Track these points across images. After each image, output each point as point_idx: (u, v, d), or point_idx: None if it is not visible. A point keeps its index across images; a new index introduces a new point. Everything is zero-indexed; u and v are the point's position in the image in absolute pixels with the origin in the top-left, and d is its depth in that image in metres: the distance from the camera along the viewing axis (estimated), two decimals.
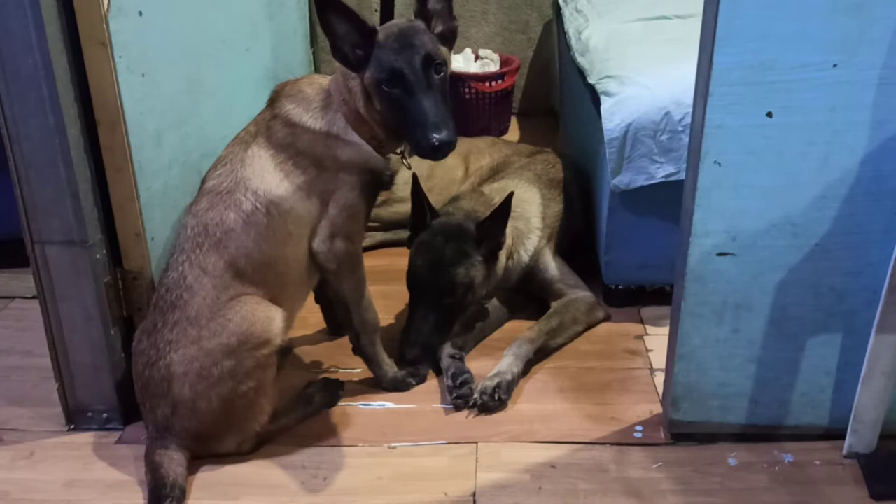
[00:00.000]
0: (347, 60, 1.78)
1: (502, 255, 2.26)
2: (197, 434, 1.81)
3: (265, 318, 1.81)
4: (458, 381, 2.05)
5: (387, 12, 3.37)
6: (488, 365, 2.13)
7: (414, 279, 2.19)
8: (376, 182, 1.93)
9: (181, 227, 1.87)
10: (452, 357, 2.13)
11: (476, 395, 2.03)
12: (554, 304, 2.33)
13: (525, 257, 2.37)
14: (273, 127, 1.86)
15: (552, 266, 2.40)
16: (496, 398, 2.01)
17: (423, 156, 1.78)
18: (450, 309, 2.17)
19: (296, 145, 1.85)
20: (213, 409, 1.78)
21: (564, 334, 2.27)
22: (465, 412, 2.02)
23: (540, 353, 2.19)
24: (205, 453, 1.85)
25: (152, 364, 1.79)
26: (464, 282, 2.15)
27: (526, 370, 2.14)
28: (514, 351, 2.13)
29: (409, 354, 2.14)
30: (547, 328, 2.23)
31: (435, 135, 1.70)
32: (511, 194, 2.17)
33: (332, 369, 2.21)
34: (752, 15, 1.51)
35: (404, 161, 1.97)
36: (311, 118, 1.85)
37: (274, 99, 1.92)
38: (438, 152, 1.72)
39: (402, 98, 1.75)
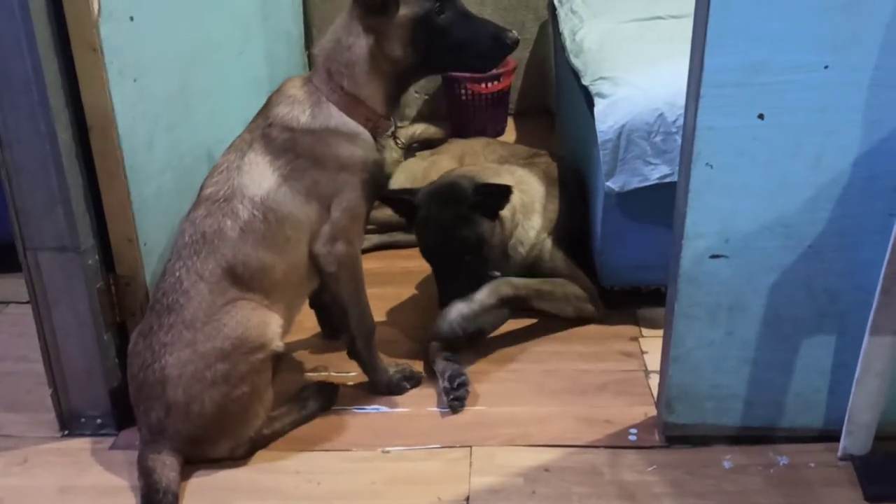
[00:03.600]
0: (373, 4, 1.78)
1: (507, 214, 2.25)
2: (190, 438, 1.81)
3: (260, 322, 1.81)
4: (456, 383, 2.04)
5: None
6: (485, 367, 2.13)
7: (426, 253, 2.24)
8: (375, 181, 1.94)
9: (178, 233, 1.87)
10: (447, 360, 2.12)
11: (444, 325, 2.08)
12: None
13: (531, 234, 2.36)
14: (270, 134, 1.86)
15: (559, 257, 2.39)
16: (461, 331, 2.08)
17: (493, 61, 1.91)
18: (471, 265, 2.19)
19: (295, 149, 1.85)
20: (206, 413, 1.78)
21: (550, 303, 2.28)
22: (460, 416, 2.01)
23: (519, 304, 2.22)
24: (198, 458, 1.85)
25: (147, 366, 1.79)
26: (475, 241, 2.16)
27: (499, 317, 2.20)
28: (493, 286, 2.16)
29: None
30: (536, 285, 2.25)
31: (508, 33, 1.83)
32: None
33: (327, 373, 2.21)
34: (743, 16, 1.51)
35: (397, 141, 1.98)
36: (307, 118, 1.85)
37: (265, 109, 1.91)
38: (512, 49, 1.85)
39: (457, 20, 1.81)
